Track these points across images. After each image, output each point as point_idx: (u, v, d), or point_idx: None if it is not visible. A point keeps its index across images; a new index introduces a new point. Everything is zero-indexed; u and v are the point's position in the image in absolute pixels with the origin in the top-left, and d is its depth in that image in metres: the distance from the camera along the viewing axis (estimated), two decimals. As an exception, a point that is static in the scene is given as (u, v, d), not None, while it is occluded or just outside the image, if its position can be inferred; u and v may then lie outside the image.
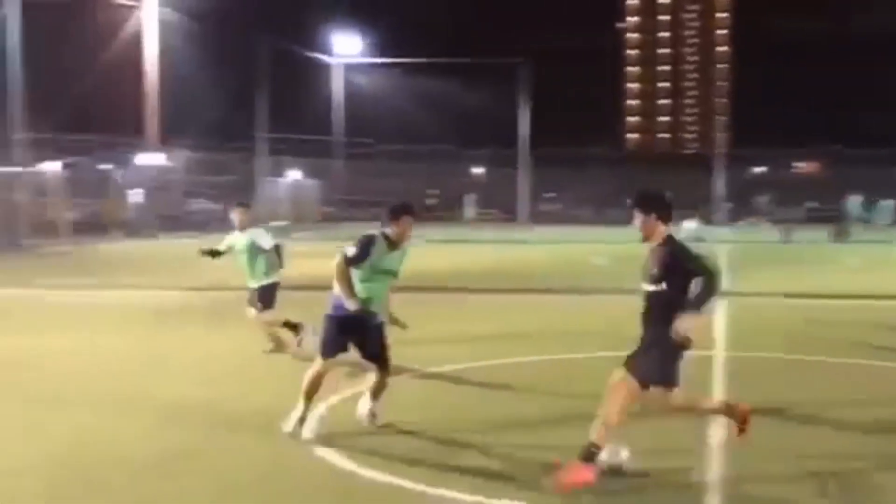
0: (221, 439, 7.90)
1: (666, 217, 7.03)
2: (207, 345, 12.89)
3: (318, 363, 8.10)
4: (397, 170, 63.56)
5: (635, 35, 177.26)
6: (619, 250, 33.11)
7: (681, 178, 53.99)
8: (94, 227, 39.80)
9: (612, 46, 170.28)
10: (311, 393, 8.05)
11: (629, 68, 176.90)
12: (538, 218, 61.88)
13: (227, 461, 7.31)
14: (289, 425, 7.96)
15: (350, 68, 71.76)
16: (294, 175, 60.48)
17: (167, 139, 52.57)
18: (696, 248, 6.98)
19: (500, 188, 67.41)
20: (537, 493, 6.40)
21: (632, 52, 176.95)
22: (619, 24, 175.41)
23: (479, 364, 11.16)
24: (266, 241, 12.13)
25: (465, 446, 7.67)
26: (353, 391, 9.33)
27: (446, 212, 65.15)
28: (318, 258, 27.55)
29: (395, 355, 8.29)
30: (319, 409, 8.59)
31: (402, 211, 8.19)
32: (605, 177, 65.94)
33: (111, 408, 9.10)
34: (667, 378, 6.83)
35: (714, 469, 7.05)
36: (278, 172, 59.12)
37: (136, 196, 45.58)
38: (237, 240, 12.23)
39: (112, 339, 13.47)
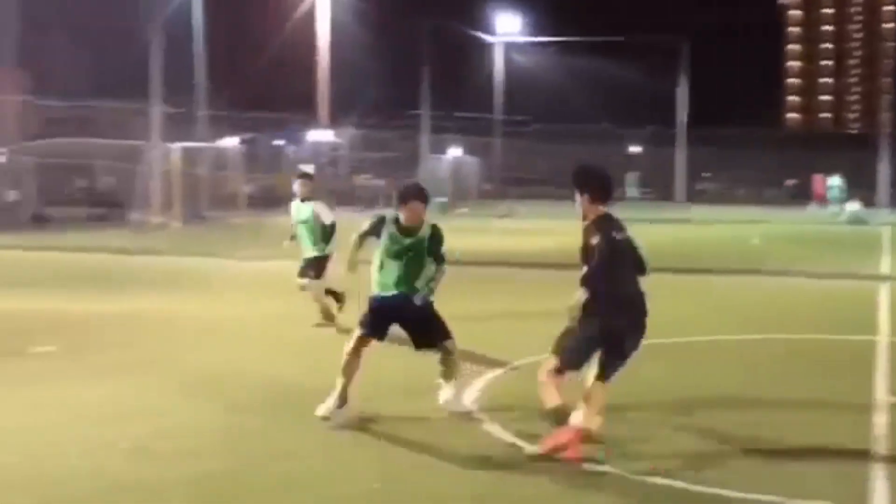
0: (391, 409, 8.11)
1: (597, 196, 6.81)
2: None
3: (354, 335, 7.87)
4: (554, 148, 63.42)
5: (797, 12, 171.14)
6: (778, 231, 32.58)
7: (843, 159, 52.26)
8: (268, 200, 41.22)
9: (772, 23, 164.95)
10: (349, 372, 7.76)
11: (790, 46, 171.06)
12: (695, 197, 60.89)
13: (396, 433, 7.52)
14: (323, 409, 7.71)
15: (509, 46, 71.87)
16: (455, 152, 61.06)
17: (335, 116, 53.79)
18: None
19: (657, 167, 66.47)
20: (710, 472, 6.54)
21: (793, 30, 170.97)
22: (781, 1, 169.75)
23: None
24: (327, 215, 12.26)
25: (630, 424, 7.75)
26: (511, 366, 9.70)
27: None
28: (475, 234, 28.18)
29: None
30: (478, 383, 8.85)
31: (410, 196, 7.87)
32: (764, 157, 64.26)
33: (293, 373, 9.69)
34: (567, 361, 6.72)
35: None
36: (441, 149, 59.76)
37: (310, 169, 47.00)
38: (299, 209, 12.44)
39: (285, 307, 14.08)
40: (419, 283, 7.85)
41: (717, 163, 68.84)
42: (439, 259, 7.98)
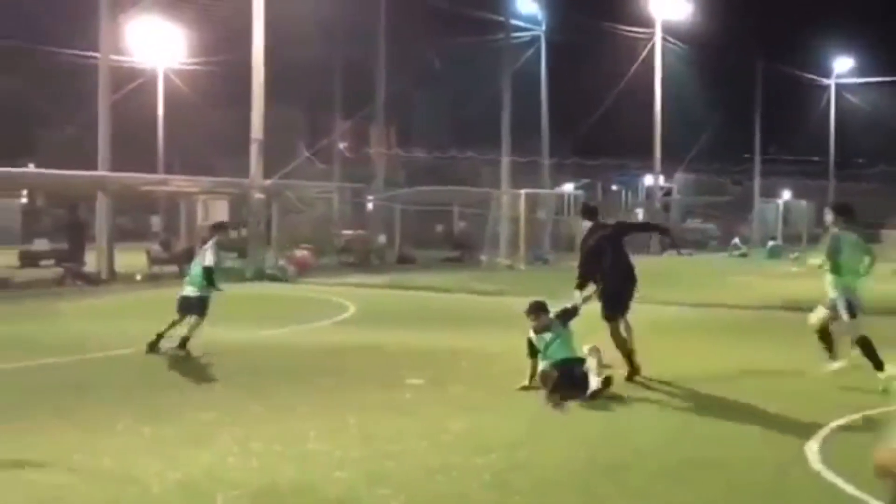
0: (736, 451, 8.19)
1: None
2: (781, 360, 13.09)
3: None
4: (890, 190, 59.23)
5: None
6: None
7: None
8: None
9: None
10: None
11: None
12: None
13: (738, 474, 7.56)
14: None
15: (843, 88, 68.08)
16: (786, 195, 58.57)
17: (667, 161, 53.11)
18: None
19: None
20: None
21: None
22: None
23: None
24: (209, 258, 13.32)
25: None
26: (856, 416, 9.29)
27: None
28: (803, 279, 26.61)
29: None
30: (824, 431, 8.65)
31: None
32: None
33: (638, 411, 9.78)
34: None
35: None
36: (773, 192, 57.49)
37: (639, 215, 46.97)
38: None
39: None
40: None
41: None
42: None
